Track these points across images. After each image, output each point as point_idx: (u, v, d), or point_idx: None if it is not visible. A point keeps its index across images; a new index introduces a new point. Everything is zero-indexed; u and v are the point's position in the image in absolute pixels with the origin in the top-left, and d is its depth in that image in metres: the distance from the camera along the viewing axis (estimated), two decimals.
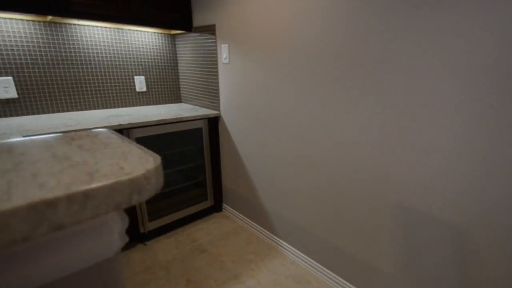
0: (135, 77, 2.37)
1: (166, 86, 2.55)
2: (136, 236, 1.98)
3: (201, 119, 2.10)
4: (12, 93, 1.84)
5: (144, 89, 2.43)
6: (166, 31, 2.41)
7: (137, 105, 2.42)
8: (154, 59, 2.43)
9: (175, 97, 2.64)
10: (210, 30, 2.04)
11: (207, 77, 2.22)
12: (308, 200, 1.65)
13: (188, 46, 2.36)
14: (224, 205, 2.44)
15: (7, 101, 1.84)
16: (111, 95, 2.26)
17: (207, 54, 2.15)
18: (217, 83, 2.12)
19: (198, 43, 2.21)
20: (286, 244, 1.87)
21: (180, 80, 2.60)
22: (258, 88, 1.77)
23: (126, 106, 2.36)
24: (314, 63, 1.41)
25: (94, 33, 2.09)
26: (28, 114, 1.92)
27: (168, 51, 2.49)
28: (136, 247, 1.99)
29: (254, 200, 2.04)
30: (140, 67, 2.37)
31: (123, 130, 1.75)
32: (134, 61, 2.33)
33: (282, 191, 1.79)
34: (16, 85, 1.85)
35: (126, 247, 1.98)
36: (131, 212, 1.89)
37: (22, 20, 1.80)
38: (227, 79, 2.02)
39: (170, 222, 2.14)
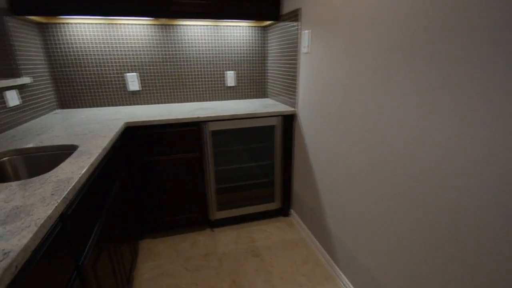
0: (227, 72, 2.46)
1: (254, 81, 2.56)
2: (206, 221, 2.11)
3: (274, 116, 2.00)
4: (137, 86, 2.25)
5: (234, 83, 2.50)
6: (258, 24, 2.38)
7: (226, 99, 2.54)
8: (245, 54, 2.46)
9: (262, 92, 2.62)
10: (294, 16, 1.87)
11: (287, 70, 2.07)
12: (382, 238, 1.31)
13: (275, 37, 2.26)
14: (292, 210, 2.28)
15: (133, 92, 2.26)
16: (204, 90, 2.45)
17: (289, 44, 2.00)
18: (295, 76, 1.95)
19: (284, 32, 2.08)
20: (347, 281, 1.55)
21: (267, 74, 2.54)
22: (336, 83, 1.49)
23: (216, 100, 2.51)
24: (421, 59, 0.97)
25: (194, 32, 2.28)
26: (145, 103, 2.33)
27: (258, 45, 2.47)
28: (205, 230, 2.12)
29: (319, 215, 1.81)
30: (232, 62, 2.45)
31: (200, 123, 1.86)
32: (226, 57, 2.42)
33: (350, 215, 1.49)
34: (139, 80, 2.24)
35: (197, 229, 2.14)
36: (202, 199, 2.02)
37: (143, 24, 2.15)
38: (305, 72, 1.82)
39: (236, 216, 2.17)
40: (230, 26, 2.35)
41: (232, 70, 2.47)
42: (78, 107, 2.18)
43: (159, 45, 2.23)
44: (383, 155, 1.18)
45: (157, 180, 1.89)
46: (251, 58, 2.49)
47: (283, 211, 2.29)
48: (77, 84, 2.13)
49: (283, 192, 2.21)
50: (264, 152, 2.10)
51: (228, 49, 2.41)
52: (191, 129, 1.86)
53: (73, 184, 0.83)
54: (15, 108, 1.57)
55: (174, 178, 1.92)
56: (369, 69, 1.22)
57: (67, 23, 1.99)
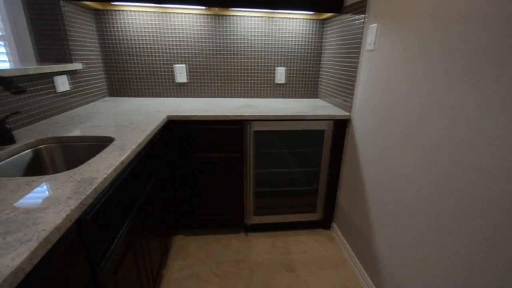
0: (277, 68, 2.30)
1: (305, 79, 2.36)
2: (241, 224, 2.00)
3: (325, 120, 1.78)
4: (185, 78, 2.20)
5: (283, 81, 2.33)
6: (316, 16, 2.16)
7: (274, 97, 2.38)
8: (298, 49, 2.27)
9: (313, 92, 2.40)
10: (360, 7, 1.62)
11: (346, 69, 1.83)
12: (446, 277, 1.05)
13: (334, 32, 2.02)
14: (333, 224, 2.05)
15: (180, 84, 2.22)
16: (252, 86, 2.32)
17: (351, 40, 1.75)
18: (355, 76, 1.70)
19: (345, 26, 1.83)
20: None
21: (321, 72, 2.31)
22: (406, 87, 1.24)
23: (264, 97, 2.36)
24: None
25: (247, 24, 2.15)
26: (191, 96, 2.27)
27: (314, 40, 2.26)
28: (239, 234, 2.01)
29: (366, 235, 1.57)
30: (283, 57, 2.28)
31: (243, 122, 1.73)
32: (278, 52, 2.26)
33: (406, 241, 1.25)
34: (187, 72, 2.19)
35: (231, 231, 2.04)
36: (239, 201, 1.90)
37: (195, 14, 2.07)
38: (367, 72, 1.57)
39: (272, 223, 2.02)
40: (285, 18, 2.17)
41: (282, 66, 2.30)
42: (127, 95, 2.20)
43: (209, 36, 2.14)
44: (464, 179, 0.92)
45: (194, 176, 1.81)
46: (304, 54, 2.28)
47: (324, 224, 2.08)
48: (127, 72, 2.14)
49: (326, 203, 1.99)
50: (309, 158, 1.90)
51: (280, 43, 2.24)
52: (234, 127, 1.74)
53: (95, 186, 0.74)
54: (64, 93, 1.60)
55: (212, 177, 1.83)
56: (454, 73, 0.96)
57: (122, 10, 1.99)
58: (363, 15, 1.58)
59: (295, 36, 2.23)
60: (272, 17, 2.16)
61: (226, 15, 2.11)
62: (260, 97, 2.37)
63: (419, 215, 1.15)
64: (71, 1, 1.68)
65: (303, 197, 1.97)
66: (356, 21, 1.67)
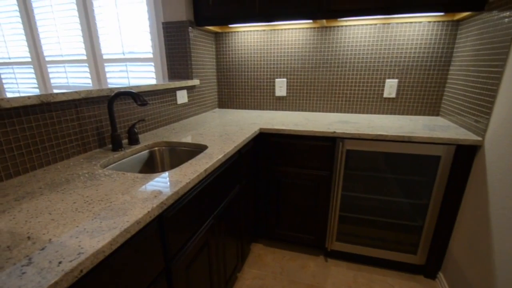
0: (387, 80, 2.08)
1: (422, 93, 2.03)
2: (322, 247, 1.89)
3: (442, 144, 1.48)
4: (284, 92, 2.30)
5: (393, 95, 2.08)
6: (448, 18, 1.83)
7: (381, 113, 2.16)
8: (417, 57, 1.97)
9: (432, 108, 2.04)
10: (510, 2, 1.27)
11: (483, 80, 1.47)
12: None
13: (471, 35, 1.66)
14: (440, 274, 1.66)
15: (279, 98, 2.33)
16: (355, 100, 2.18)
17: (494, 44, 1.40)
18: (495, 91, 1.35)
19: (488, 27, 1.48)
20: None
21: (446, 85, 1.93)
22: None
23: (367, 112, 2.18)
24: None
25: (356, 33, 2.04)
26: (289, 110, 2.34)
27: (439, 46, 1.91)
28: (318, 257, 1.91)
29: None
30: (396, 68, 2.04)
31: (336, 139, 1.64)
32: (390, 62, 2.04)
33: None
34: (287, 86, 2.28)
35: (310, 252, 1.96)
36: (322, 222, 1.81)
37: (299, 28, 2.13)
38: None
39: (357, 254, 1.82)
40: (404, 22, 1.92)
41: (394, 78, 2.05)
42: (233, 107, 2.44)
43: (312, 50, 2.14)
44: None
45: (279, 190, 1.84)
46: (424, 63, 1.97)
47: (427, 271, 1.72)
48: (234, 87, 2.38)
49: (432, 245, 1.64)
50: (415, 188, 1.62)
51: (394, 52, 2.00)
52: (324, 144, 1.67)
53: (177, 189, 0.86)
54: (183, 105, 1.92)
55: (296, 192, 1.81)
56: None
57: (236, 32, 2.24)
58: None
59: (415, 43, 1.94)
60: (387, 23, 1.95)
61: (333, 26, 2.06)
62: (363, 113, 2.19)
63: None
64: (198, 27, 2.01)
65: (400, 232, 1.69)
66: (505, 20, 1.31)
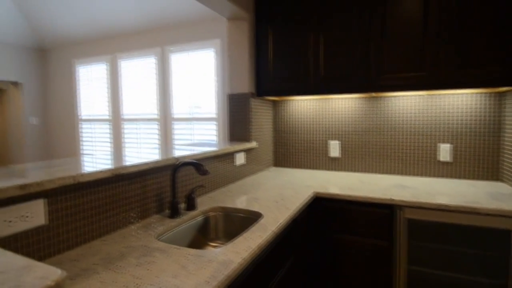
0: (440, 144, 1.80)
1: (478, 158, 1.72)
2: None
3: (509, 216, 1.11)
4: (337, 153, 2.12)
5: (449, 159, 1.78)
6: (489, 90, 1.62)
7: (436, 176, 1.83)
8: (468, 124, 1.73)
9: (490, 173, 1.69)
10: None
11: None
12: None
13: None
14: None
15: (333, 158, 2.15)
16: (409, 163, 1.90)
17: None
18: None
19: None
20: None
21: (504, 150, 1.58)
22: None
23: (422, 175, 1.87)
24: None
25: (402, 103, 1.90)
26: (343, 170, 2.12)
27: (487, 114, 1.69)
28: None
29: None
30: (448, 133, 1.79)
31: (394, 206, 1.38)
32: (440, 128, 1.81)
33: None
34: (340, 147, 2.12)
35: None
36: None
37: (350, 98, 2.06)
38: None
39: None
40: (447, 94, 1.77)
41: (447, 143, 1.78)
42: (287, 166, 2.31)
43: (363, 116, 2.01)
44: None
45: (334, 260, 1.53)
46: (475, 129, 1.72)
47: None
48: (289, 147, 2.28)
49: None
50: (489, 264, 1.22)
51: (443, 119, 1.79)
52: (382, 211, 1.40)
53: (229, 272, 0.71)
54: (240, 166, 1.85)
55: (353, 263, 1.49)
56: None
57: (292, 100, 2.23)
58: None
59: (462, 111, 1.74)
60: (432, 95, 1.80)
61: (381, 97, 1.94)
62: (417, 175, 1.88)
63: None
64: (259, 97, 2.06)
65: None
66: None
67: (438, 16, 1.51)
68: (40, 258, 0.79)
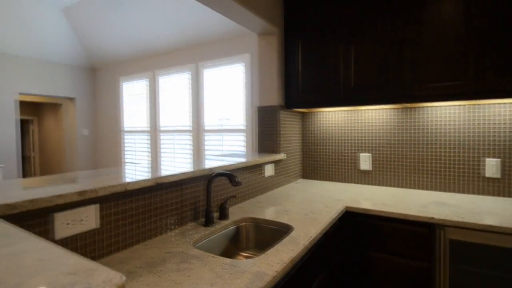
0: (486, 159, 1.65)
1: None
2: None
3: None
4: (368, 166, 2.04)
5: (498, 175, 1.62)
6: None
7: (482, 194, 1.67)
8: None
9: None
10: None
11: None
12: None
13: None
14: None
15: (364, 171, 2.07)
16: (448, 178, 1.77)
17: None
18: None
19: None
20: None
21: None
22: None
23: (466, 192, 1.71)
24: None
25: (443, 113, 1.78)
26: (374, 184, 2.03)
27: None
28: None
29: None
30: (495, 147, 1.63)
31: (433, 225, 1.28)
32: (485, 140, 1.66)
33: None
34: (371, 160, 2.04)
35: None
36: None
37: (382, 109, 1.98)
38: None
39: None
40: (495, 104, 1.62)
41: (494, 157, 1.62)
42: (316, 178, 2.27)
43: (396, 127, 1.91)
44: None
45: (365, 277, 1.46)
46: None
47: None
48: (318, 159, 2.24)
49: None
50: None
51: (489, 132, 1.64)
52: (419, 230, 1.31)
53: (262, 284, 0.72)
54: (269, 177, 1.86)
55: (387, 284, 1.40)
56: None
57: (321, 112, 2.20)
58: None
59: (511, 123, 1.56)
60: (476, 105, 1.66)
61: (416, 107, 1.83)
62: (457, 192, 1.73)
63: None
64: (286, 109, 2.07)
65: None
66: None
67: (481, 20, 1.41)
68: (93, 259, 0.86)
